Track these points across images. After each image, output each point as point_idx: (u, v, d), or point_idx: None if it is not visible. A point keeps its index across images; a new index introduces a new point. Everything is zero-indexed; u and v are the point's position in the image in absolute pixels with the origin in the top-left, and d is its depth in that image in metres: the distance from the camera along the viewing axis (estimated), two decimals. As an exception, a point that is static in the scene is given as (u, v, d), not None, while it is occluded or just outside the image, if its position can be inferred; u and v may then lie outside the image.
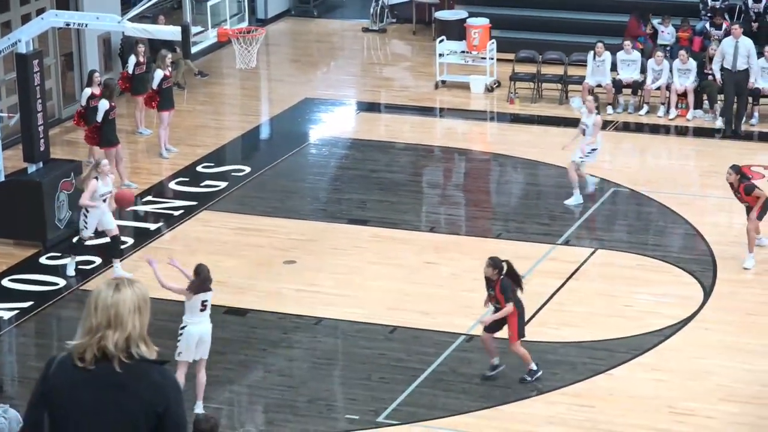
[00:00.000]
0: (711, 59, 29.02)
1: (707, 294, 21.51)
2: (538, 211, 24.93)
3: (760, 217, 21.94)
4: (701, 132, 28.76)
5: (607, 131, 28.87)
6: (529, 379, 18.89)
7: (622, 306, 21.13)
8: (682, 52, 29.66)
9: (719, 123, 28.79)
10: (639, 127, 29.13)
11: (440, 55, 31.61)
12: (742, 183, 21.86)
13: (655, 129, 28.99)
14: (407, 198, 25.85)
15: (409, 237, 23.88)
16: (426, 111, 30.50)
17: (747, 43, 28.44)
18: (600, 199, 25.08)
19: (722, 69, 28.37)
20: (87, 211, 21.94)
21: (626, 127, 29.13)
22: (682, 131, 28.96)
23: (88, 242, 22.30)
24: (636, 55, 30.00)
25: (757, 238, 22.24)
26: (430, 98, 31.12)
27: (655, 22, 31.61)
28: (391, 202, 25.19)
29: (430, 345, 20.09)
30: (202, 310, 17.59)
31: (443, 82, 31.61)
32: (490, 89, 31.34)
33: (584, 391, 18.94)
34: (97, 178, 21.77)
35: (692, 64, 29.38)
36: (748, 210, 21.92)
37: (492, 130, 30.14)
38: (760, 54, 28.72)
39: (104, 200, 21.99)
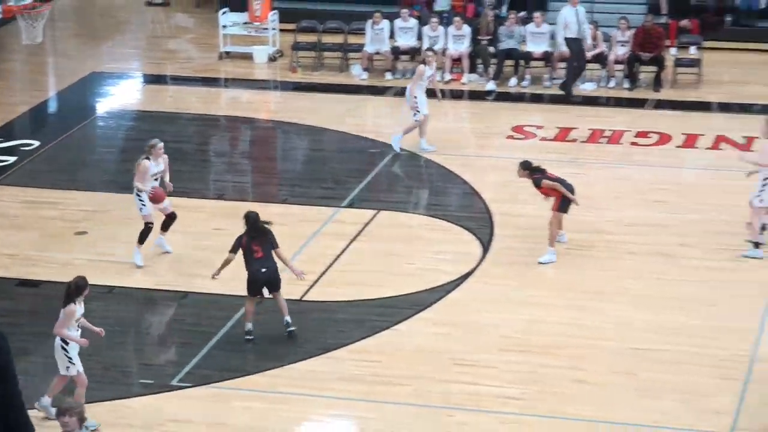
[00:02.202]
0: (480, 29, 29.37)
1: (485, 250, 21.83)
2: (322, 175, 25.02)
3: (560, 210, 21.27)
4: (475, 95, 29.14)
5: (387, 96, 29.14)
6: None
7: (405, 264, 21.34)
8: (457, 19, 30.02)
9: (491, 85, 29.22)
10: (417, 92, 29.39)
11: (223, 26, 31.56)
12: (532, 177, 21.32)
13: (432, 93, 29.21)
14: (195, 167, 25.78)
15: (198, 204, 23.81)
16: (211, 82, 30.43)
17: (582, 11, 28.74)
18: (381, 162, 25.25)
19: (567, 39, 28.62)
20: (140, 192, 21.24)
21: (404, 91, 29.31)
22: (457, 95, 29.31)
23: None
24: (413, 22, 30.26)
25: (559, 234, 21.64)
26: (214, 69, 31.05)
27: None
28: (180, 172, 25.03)
29: (221, 309, 20.06)
30: None
31: (227, 53, 31.54)
32: (272, 59, 31.36)
33: (371, 347, 19.09)
34: (148, 158, 21.18)
35: (466, 30, 29.75)
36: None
37: (275, 98, 30.13)
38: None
39: (156, 179, 21.36)
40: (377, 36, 30.11)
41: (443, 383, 18.04)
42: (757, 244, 21.08)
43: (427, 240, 22.20)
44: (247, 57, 31.29)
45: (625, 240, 21.98)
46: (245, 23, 31.77)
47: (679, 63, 29.66)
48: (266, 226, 19.03)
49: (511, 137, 26.60)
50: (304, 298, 20.34)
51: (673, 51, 30.14)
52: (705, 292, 20.21)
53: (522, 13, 30.36)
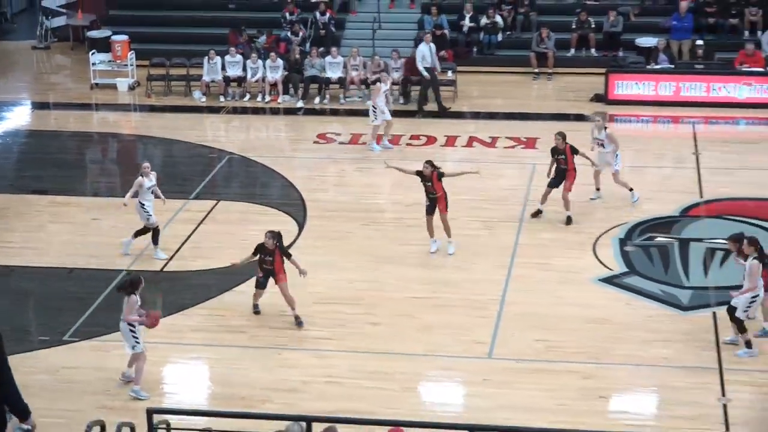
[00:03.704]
0: (295, 60, 29.29)
1: (300, 228, 21.80)
2: (174, 175, 24.73)
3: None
4: (289, 111, 29.06)
5: (221, 114, 28.91)
6: None
7: (240, 241, 21.19)
8: (272, 54, 29.89)
9: (300, 103, 29.17)
10: (245, 110, 29.22)
11: (93, 64, 30.99)
12: (434, 172, 20.39)
13: (256, 111, 29.15)
14: (75, 172, 25.33)
15: (79, 201, 23.38)
16: (85, 107, 29.82)
17: (433, 46, 28.59)
18: (219, 164, 25.06)
19: (425, 68, 28.29)
20: (143, 204, 20.26)
21: (235, 110, 29.18)
22: (275, 111, 29.19)
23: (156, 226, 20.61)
24: (239, 57, 30.06)
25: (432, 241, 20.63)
26: (87, 97, 30.44)
27: (251, 32, 31.74)
28: (64, 177, 24.62)
29: (98, 281, 19.73)
30: None
31: (96, 84, 30.96)
32: (132, 88, 30.89)
33: (216, 305, 18.95)
34: (142, 176, 20.21)
35: (279, 62, 29.65)
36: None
37: (135, 118, 29.63)
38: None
39: (152, 192, 20.36)
40: (212, 68, 29.88)
41: (272, 330, 18.00)
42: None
43: (256, 222, 22.07)
44: (112, 87, 30.77)
45: (406, 216, 22.13)
46: (110, 61, 31.31)
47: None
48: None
49: (316, 142, 26.59)
50: (165, 269, 20.11)
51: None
52: (465, 253, 20.43)
53: (321, 49, 30.35)
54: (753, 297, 16.75)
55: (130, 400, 16.04)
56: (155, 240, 20.61)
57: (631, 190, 22.12)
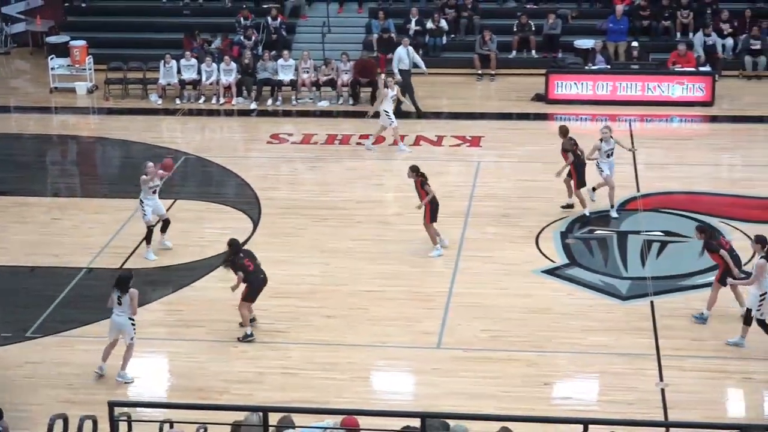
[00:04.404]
0: (248, 63, 29.20)
1: (255, 225, 21.75)
2: (132, 175, 24.52)
3: (431, 220, 20.04)
4: (243, 113, 28.96)
5: (176, 116, 28.76)
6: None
7: (197, 238, 21.15)
8: (227, 58, 29.77)
9: (253, 105, 29.08)
10: (200, 112, 29.08)
11: (52, 68, 30.69)
12: (418, 179, 20.07)
13: (211, 112, 29.01)
14: (36, 173, 25.11)
15: (39, 201, 23.18)
16: (45, 110, 29.55)
17: (411, 49, 28.50)
18: (176, 164, 24.87)
19: (400, 70, 28.16)
20: (143, 202, 20.15)
21: (191, 112, 29.03)
22: (229, 113, 29.08)
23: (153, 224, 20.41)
24: (193, 61, 29.90)
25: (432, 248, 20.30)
26: (47, 100, 30.15)
27: (205, 37, 31.60)
28: (22, 177, 24.41)
29: (60, 278, 19.60)
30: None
31: (56, 88, 30.68)
32: (90, 91, 30.64)
33: (175, 300, 18.89)
34: (146, 175, 20.09)
35: (233, 65, 29.53)
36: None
37: (94, 120, 29.37)
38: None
39: (154, 191, 20.21)
40: (168, 72, 29.71)
41: (229, 323, 17.93)
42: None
43: (212, 219, 22.03)
44: (71, 90, 30.50)
45: (355, 213, 22.13)
46: (68, 65, 31.03)
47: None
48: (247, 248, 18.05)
49: (269, 142, 26.51)
50: (124, 266, 19.97)
51: (383, 76, 30.35)
52: (414, 248, 20.46)
53: (273, 52, 30.25)
54: (762, 296, 16.56)
55: (91, 393, 15.93)
56: (148, 240, 20.42)
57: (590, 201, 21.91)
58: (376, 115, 25.93)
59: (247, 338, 17.40)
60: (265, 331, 17.69)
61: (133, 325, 16.33)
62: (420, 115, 27.86)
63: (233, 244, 17.66)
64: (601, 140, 21.47)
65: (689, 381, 16.09)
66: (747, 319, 16.82)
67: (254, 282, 17.45)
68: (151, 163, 20.44)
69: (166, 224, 20.73)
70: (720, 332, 17.35)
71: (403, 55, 28.36)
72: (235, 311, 17.96)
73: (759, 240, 16.68)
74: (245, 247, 18.59)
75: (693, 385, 16.00)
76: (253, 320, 17.80)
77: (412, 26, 31.73)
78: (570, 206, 21.80)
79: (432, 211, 20.07)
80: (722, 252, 17.40)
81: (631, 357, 16.73)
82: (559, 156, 21.72)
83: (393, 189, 23.29)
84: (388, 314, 18.16)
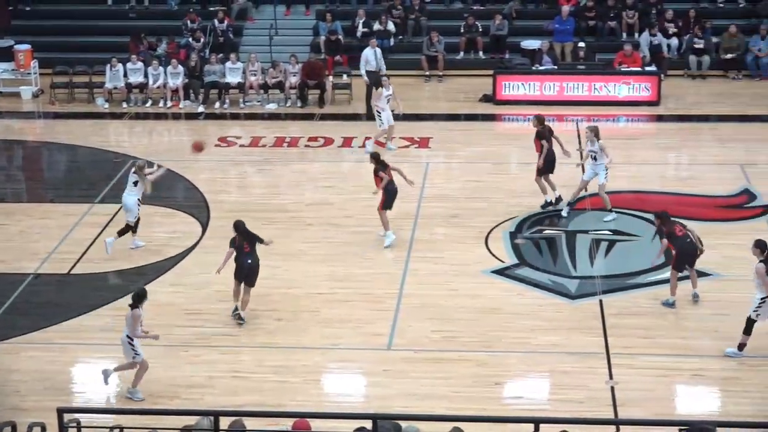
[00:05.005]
0: (195, 66, 29.06)
1: (204, 229, 21.64)
2: (79, 180, 24.42)
3: (384, 207, 20.37)
4: (190, 116, 28.83)
5: (123, 120, 28.56)
6: None
7: (148, 242, 20.99)
8: (174, 61, 29.63)
9: (201, 108, 28.95)
10: (147, 116, 28.90)
11: (-3, 73, 30.47)
12: (374, 167, 20.36)
13: (158, 116, 28.85)
14: (-19, 179, 24.90)
15: (-15, 207, 23.00)
16: (-11, 115, 29.33)
17: (378, 51, 28.47)
18: (123, 168, 24.73)
19: (367, 71, 28.16)
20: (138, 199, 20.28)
21: (138, 116, 28.84)
22: (177, 116, 28.92)
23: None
24: (140, 64, 29.74)
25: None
26: (-9, 105, 29.94)
27: (152, 40, 31.44)
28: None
29: (6, 284, 19.37)
30: None
31: (0, 92, 30.38)
32: (36, 95, 30.38)
33: (125, 305, 18.46)
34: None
35: (180, 68, 29.39)
36: None
37: (40, 125, 29.14)
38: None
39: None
40: (115, 75, 29.53)
41: (179, 328, 17.85)
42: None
43: (161, 224, 21.88)
44: (17, 95, 30.23)
45: (305, 215, 22.09)
46: (13, 70, 30.77)
47: (336, 87, 29.91)
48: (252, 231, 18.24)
49: (218, 145, 26.39)
50: (72, 272, 19.81)
51: (331, 78, 30.36)
52: (364, 249, 20.44)
53: (220, 55, 30.15)
54: (762, 299, 16.46)
55: (39, 400, 15.75)
56: (135, 230, 20.56)
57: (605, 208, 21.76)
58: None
59: (237, 317, 17.94)
60: (216, 335, 17.60)
61: (132, 345, 15.79)
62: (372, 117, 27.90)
63: (237, 225, 18.12)
64: (586, 141, 21.54)
65: (639, 378, 16.19)
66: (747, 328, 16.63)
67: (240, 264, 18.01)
68: (142, 160, 20.63)
69: (136, 224, 20.74)
70: (669, 329, 17.49)
71: (370, 56, 28.35)
72: (186, 316, 17.87)
73: (758, 245, 16.65)
74: (197, 249, 18.52)
75: (643, 382, 16.10)
76: (235, 310, 17.99)
77: (360, 28, 31.73)
78: (552, 203, 21.91)
79: (386, 199, 20.32)
80: (664, 240, 17.85)
81: (581, 356, 16.81)
82: (508, 155, 21.83)
83: (342, 191, 23.25)
84: (340, 316, 18.14)
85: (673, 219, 18.34)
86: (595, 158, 21.26)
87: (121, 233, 20.51)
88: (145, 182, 20.30)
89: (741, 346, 16.66)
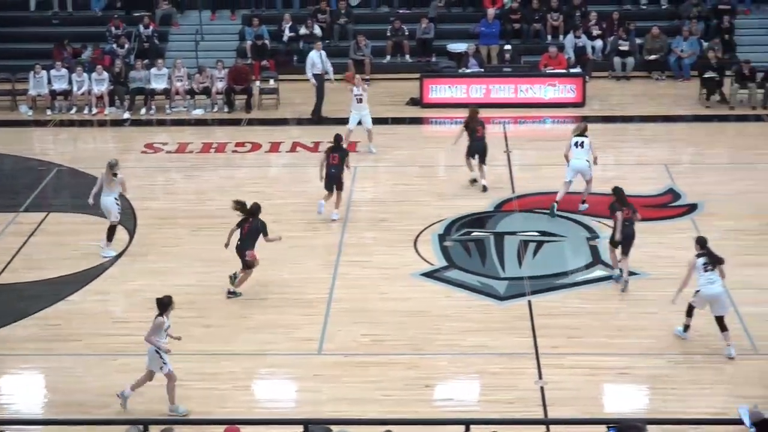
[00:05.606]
0: (120, 72, 28.89)
1: (131, 236, 21.48)
2: (4, 188, 24.11)
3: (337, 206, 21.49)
4: (116, 123, 28.61)
5: (48, 127, 28.28)
6: None
7: (72, 251, 20.77)
8: (98, 67, 29.40)
9: (127, 115, 28.75)
10: (72, 123, 28.65)
11: None
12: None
13: (83, 123, 28.60)
14: None
15: None
16: None
17: (323, 53, 28.18)
18: (48, 176, 24.51)
19: (314, 74, 27.94)
20: (117, 200, 20.35)
21: (62, 123, 28.59)
22: (102, 123, 28.68)
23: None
24: (64, 71, 29.48)
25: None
26: None
27: (76, 46, 31.18)
28: None
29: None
30: None
31: None
32: (-42, 103, 30.00)
33: (50, 314, 18.53)
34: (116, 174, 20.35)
35: (105, 75, 29.17)
36: None
37: (-38, 133, 28.80)
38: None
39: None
40: (38, 82, 29.23)
41: (108, 337, 17.69)
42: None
43: (88, 232, 21.66)
44: (-62, 103, 29.86)
45: (232, 221, 21.93)
46: (-66, 77, 30.38)
47: (263, 91, 29.85)
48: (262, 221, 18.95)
49: (144, 152, 26.22)
50: (-2, 282, 19.63)
51: (257, 83, 30.30)
52: (293, 254, 20.40)
53: (146, 61, 29.96)
54: (696, 292, 16.75)
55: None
56: (110, 237, 20.50)
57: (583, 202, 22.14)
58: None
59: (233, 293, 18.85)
60: (144, 344, 17.45)
61: (159, 355, 15.40)
62: (319, 119, 27.86)
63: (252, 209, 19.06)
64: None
65: (568, 378, 16.34)
66: (721, 326, 16.78)
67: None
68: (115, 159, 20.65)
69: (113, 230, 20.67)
70: (597, 329, 17.68)
71: (316, 59, 28.27)
72: (113, 324, 17.75)
73: (698, 240, 16.97)
74: (124, 256, 18.37)
75: (571, 382, 16.25)
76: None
77: (286, 32, 31.70)
78: (475, 180, 22.88)
79: (326, 182, 21.60)
80: (617, 215, 18.68)
81: (510, 356, 16.93)
82: (435, 158, 21.96)
83: (270, 196, 23.18)
84: (268, 322, 18.10)
85: (626, 200, 18.96)
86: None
87: (109, 237, 20.39)
88: (113, 182, 20.19)
89: (686, 328, 17.14)
